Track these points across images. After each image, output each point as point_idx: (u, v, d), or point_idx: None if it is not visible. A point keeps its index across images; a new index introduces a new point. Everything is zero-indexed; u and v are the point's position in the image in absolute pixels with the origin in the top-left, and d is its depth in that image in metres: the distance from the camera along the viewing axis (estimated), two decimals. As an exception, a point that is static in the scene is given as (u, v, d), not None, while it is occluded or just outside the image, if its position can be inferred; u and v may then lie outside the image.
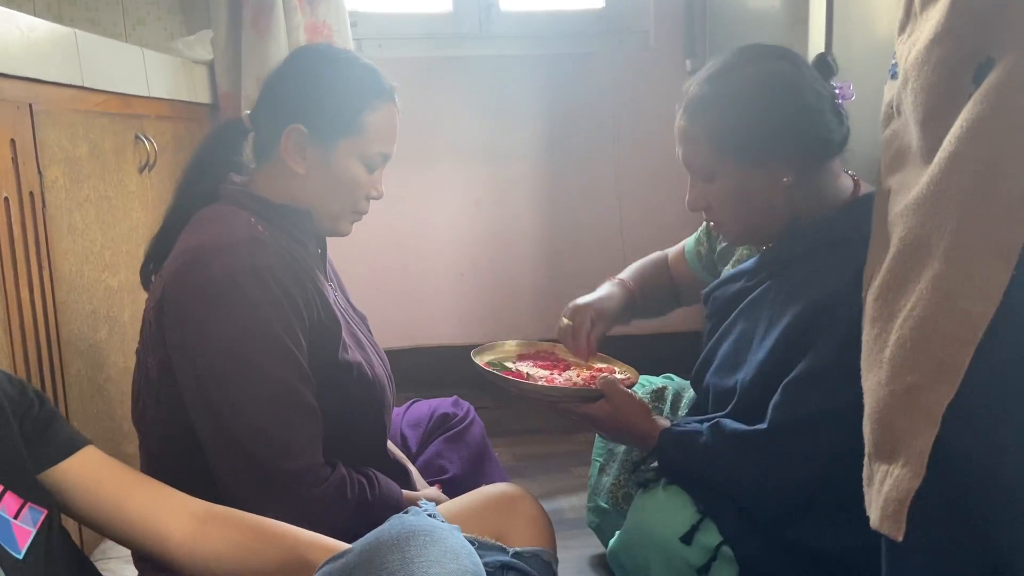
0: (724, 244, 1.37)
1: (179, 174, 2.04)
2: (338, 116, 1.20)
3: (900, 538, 0.78)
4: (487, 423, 1.61)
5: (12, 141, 1.30)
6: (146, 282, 1.28)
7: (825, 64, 1.17)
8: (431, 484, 1.42)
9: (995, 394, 0.74)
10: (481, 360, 1.36)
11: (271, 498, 1.09)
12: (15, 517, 0.86)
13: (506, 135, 2.69)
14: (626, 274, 1.45)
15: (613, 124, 2.72)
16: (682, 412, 1.44)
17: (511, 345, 1.47)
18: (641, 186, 2.77)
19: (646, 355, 2.75)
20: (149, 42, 2.36)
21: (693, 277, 1.46)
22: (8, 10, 1.30)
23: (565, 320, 1.32)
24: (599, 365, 1.42)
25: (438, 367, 2.62)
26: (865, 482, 0.85)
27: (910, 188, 0.81)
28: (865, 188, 1.17)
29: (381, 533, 0.76)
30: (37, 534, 0.87)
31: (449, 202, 2.70)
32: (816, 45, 1.93)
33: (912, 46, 0.83)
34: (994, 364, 0.73)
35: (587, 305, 1.33)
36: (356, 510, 1.14)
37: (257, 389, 1.08)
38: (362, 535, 1.10)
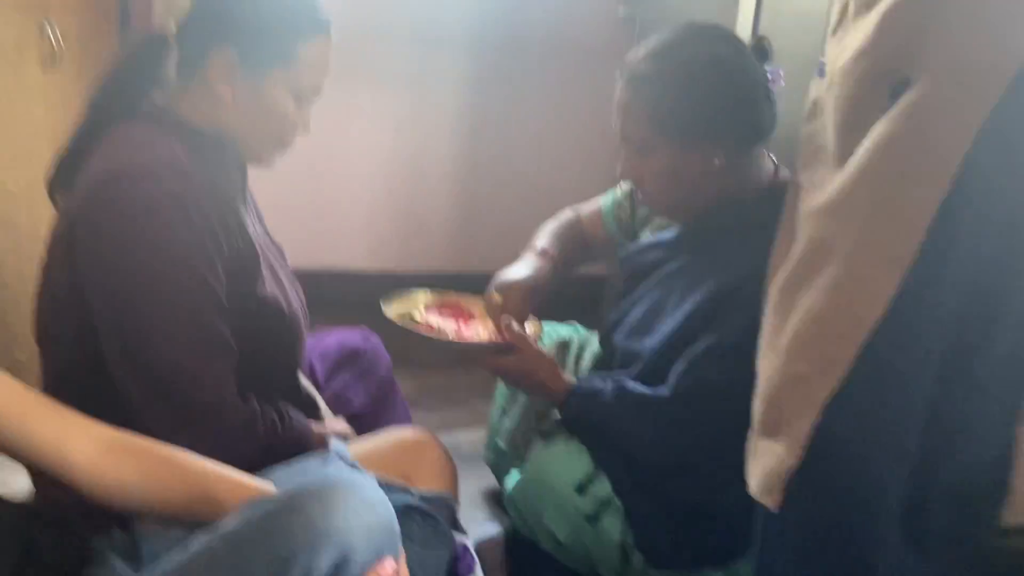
0: (646, 211, 1.42)
1: (86, 73, 1.94)
2: (273, 44, 1.16)
3: (776, 509, 0.87)
4: (392, 353, 1.64)
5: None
6: (53, 194, 1.23)
7: (762, 49, 1.21)
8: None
9: (874, 391, 0.82)
10: (390, 311, 1.38)
11: (181, 428, 1.09)
12: None
13: (431, 60, 2.64)
14: (547, 242, 1.46)
15: (539, 59, 2.70)
16: (585, 364, 1.50)
17: (419, 295, 1.49)
18: (565, 122, 2.79)
19: (550, 298, 2.85)
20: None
21: (608, 237, 1.52)
22: None
23: (496, 296, 1.33)
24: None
25: (347, 291, 2.61)
26: (748, 453, 0.93)
27: (821, 189, 0.87)
28: (783, 173, 1.24)
29: (304, 483, 0.79)
30: None
31: (368, 126, 2.65)
32: (746, 9, 1.97)
33: (841, 52, 0.88)
34: (876, 363, 0.81)
35: (519, 283, 1.33)
36: (266, 444, 1.16)
37: (172, 319, 1.07)
38: (271, 467, 1.15)
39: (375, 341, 1.67)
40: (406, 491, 1.05)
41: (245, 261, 1.17)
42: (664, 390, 1.15)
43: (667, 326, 1.18)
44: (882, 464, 0.84)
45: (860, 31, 0.85)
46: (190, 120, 1.17)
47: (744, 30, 1.98)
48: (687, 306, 1.17)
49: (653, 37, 1.20)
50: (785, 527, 0.89)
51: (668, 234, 1.30)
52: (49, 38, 1.66)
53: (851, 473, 0.85)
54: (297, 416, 1.24)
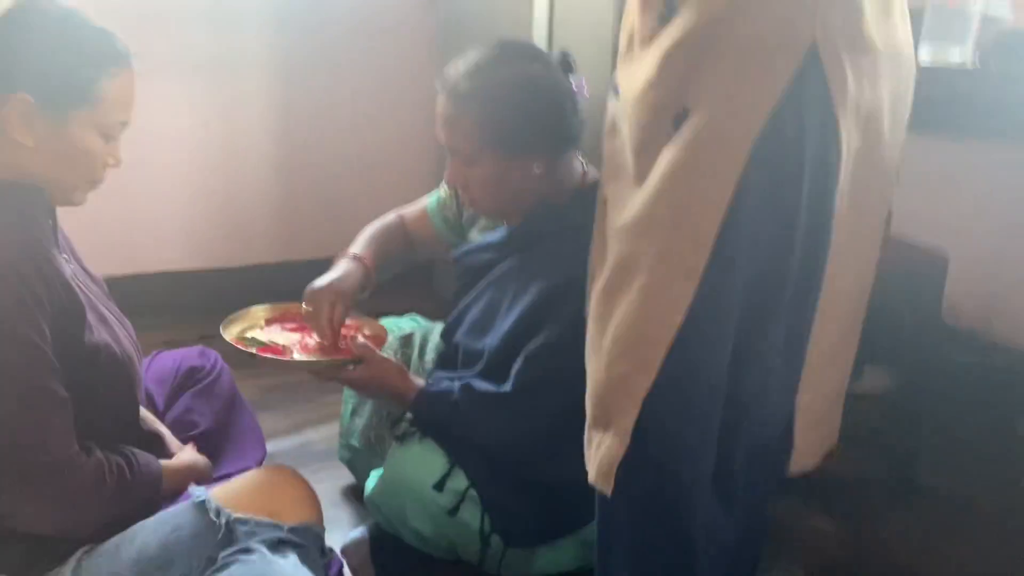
0: (471, 211, 1.49)
1: None
2: (70, 86, 1.11)
3: (609, 494, 0.99)
4: (230, 361, 1.60)
5: None
6: None
7: (567, 63, 1.32)
8: (183, 440, 1.45)
9: (683, 382, 0.95)
10: (230, 335, 1.38)
11: (27, 494, 1.07)
12: None
13: (234, 46, 2.55)
14: (361, 247, 1.49)
15: (347, 38, 2.67)
16: (429, 356, 1.57)
17: (257, 310, 1.49)
18: (375, 103, 2.79)
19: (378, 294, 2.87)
20: None
21: (436, 235, 1.58)
22: None
23: (305, 306, 1.36)
24: (348, 321, 1.51)
25: (165, 293, 2.53)
26: (585, 444, 1.05)
27: (624, 206, 0.98)
28: (591, 174, 1.35)
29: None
30: None
31: (174, 120, 2.53)
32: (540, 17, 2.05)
33: (632, 80, 0.98)
34: (683, 359, 0.94)
35: (325, 288, 1.37)
36: (117, 492, 1.15)
37: (7, 390, 1.04)
38: (126, 517, 1.15)
39: (213, 356, 1.65)
40: (276, 527, 1.09)
41: (69, 313, 1.13)
42: (507, 386, 1.25)
43: (504, 325, 1.28)
44: (693, 440, 0.98)
45: (646, 63, 0.95)
46: (-10, 173, 1.11)
47: (540, 30, 2.07)
48: (520, 306, 1.27)
49: (470, 53, 1.28)
50: (617, 506, 1.01)
51: (496, 235, 1.39)
52: None
53: (668, 452, 0.98)
54: (144, 458, 1.23)
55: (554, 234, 1.31)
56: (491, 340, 1.30)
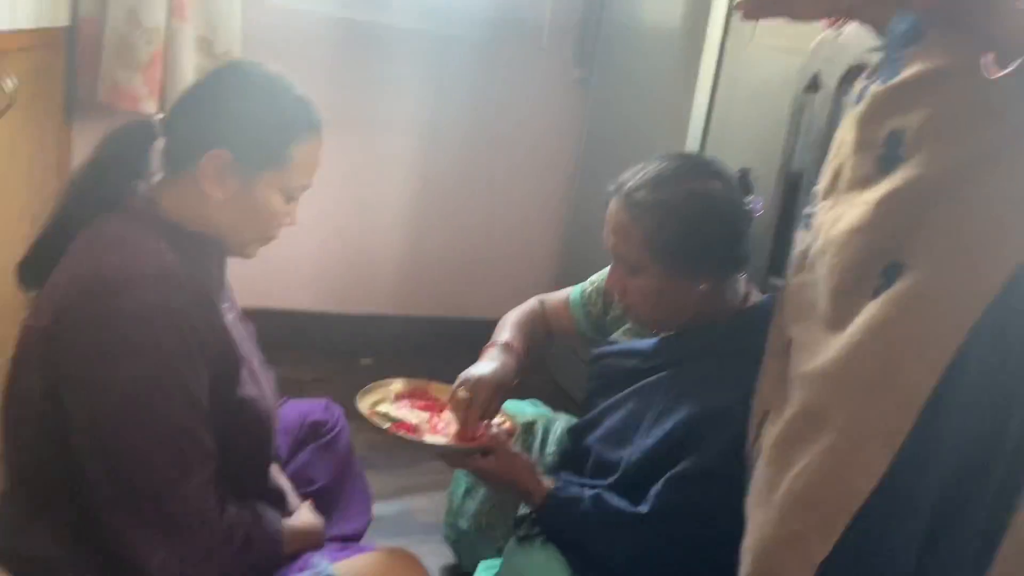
0: (619, 312, 1.47)
1: (33, 118, 1.86)
2: (266, 148, 1.15)
3: None
4: (336, 399, 1.64)
5: None
6: (25, 282, 1.18)
7: (747, 182, 1.29)
8: (301, 495, 1.45)
9: (866, 555, 0.88)
10: (364, 406, 1.39)
11: (159, 542, 1.07)
12: None
13: (385, 108, 2.63)
14: (511, 335, 1.47)
15: (495, 114, 2.73)
16: (550, 449, 1.54)
17: (393, 384, 1.50)
18: (511, 180, 2.83)
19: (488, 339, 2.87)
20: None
21: (575, 329, 1.56)
22: None
23: (463, 392, 1.33)
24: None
25: (290, 332, 2.58)
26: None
27: (814, 351, 0.92)
28: (754, 295, 1.31)
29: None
30: None
31: (322, 168, 2.61)
32: (707, 72, 2.03)
33: (835, 220, 0.94)
34: (869, 530, 0.87)
35: (488, 380, 1.34)
36: (241, 550, 1.15)
37: (155, 433, 1.05)
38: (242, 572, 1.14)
39: (336, 412, 1.67)
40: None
41: (227, 365, 1.15)
42: (643, 507, 1.20)
43: (646, 441, 1.23)
44: None
45: (855, 208, 0.90)
46: (173, 216, 1.15)
47: (697, 115, 2.05)
48: (667, 424, 1.22)
49: (651, 162, 1.26)
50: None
51: (645, 344, 1.36)
52: (4, 89, 1.59)
53: None
54: (270, 517, 1.23)
55: (709, 355, 1.27)
56: (630, 454, 1.25)
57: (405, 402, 1.46)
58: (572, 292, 1.59)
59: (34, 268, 1.17)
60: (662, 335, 1.34)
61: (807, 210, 1.05)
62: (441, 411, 1.45)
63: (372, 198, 2.71)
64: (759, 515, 0.94)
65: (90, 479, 1.06)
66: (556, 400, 1.79)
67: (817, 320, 0.94)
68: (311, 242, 2.68)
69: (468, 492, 1.60)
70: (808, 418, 0.90)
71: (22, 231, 1.72)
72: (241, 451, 1.21)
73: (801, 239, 1.03)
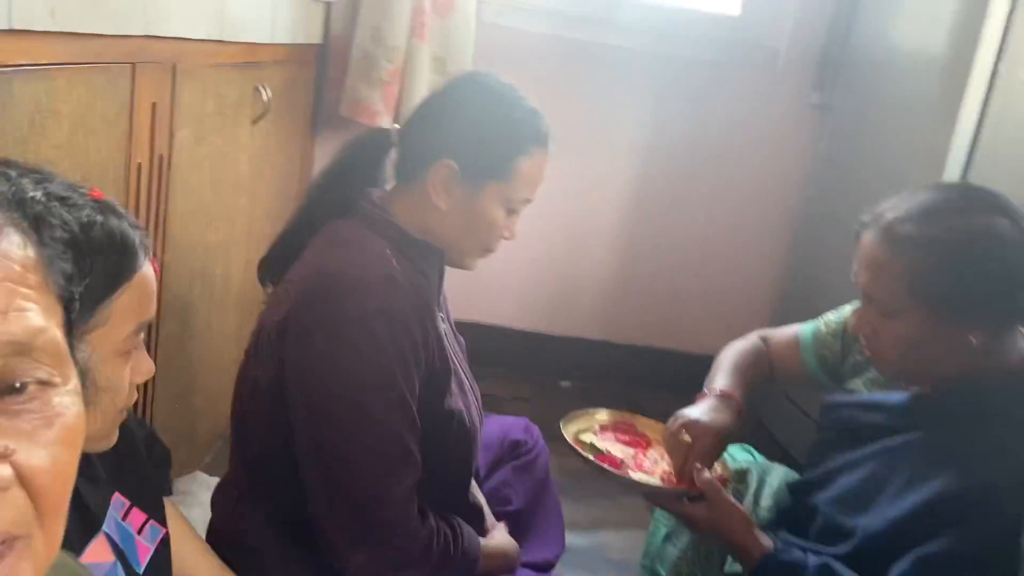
0: (861, 359, 1.31)
1: (283, 127, 2.00)
2: (493, 159, 1.14)
3: None
4: (533, 419, 1.60)
5: (153, 105, 1.25)
6: (263, 279, 1.25)
7: None
8: (496, 515, 1.42)
9: None
10: (569, 433, 1.32)
11: (359, 543, 1.08)
12: (138, 532, 0.87)
13: (607, 129, 2.60)
14: (730, 382, 1.33)
15: (719, 139, 2.61)
16: (765, 503, 1.40)
17: (598, 413, 1.43)
18: (732, 207, 2.69)
19: (694, 376, 2.73)
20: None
21: (803, 373, 1.41)
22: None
23: (684, 435, 1.22)
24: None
25: (493, 346, 2.60)
26: None
27: None
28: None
29: None
30: (155, 552, 0.88)
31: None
32: (974, 98, 1.80)
33: None
34: None
35: (712, 429, 1.23)
36: (440, 563, 1.13)
37: (368, 436, 1.06)
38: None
39: (535, 433, 1.63)
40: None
41: (439, 375, 1.15)
42: (881, 587, 1.04)
43: (890, 511, 1.07)
44: None
45: None
46: (405, 226, 1.16)
47: (959, 146, 1.83)
48: (920, 494, 1.05)
49: (919, 194, 1.10)
50: None
51: (896, 398, 1.18)
52: (262, 94, 1.72)
53: None
54: (468, 533, 1.21)
55: (976, 419, 1.08)
56: (870, 522, 1.09)
57: (609, 434, 1.39)
58: (802, 331, 1.44)
59: (272, 266, 1.23)
60: (915, 391, 1.17)
61: None
62: (647, 448, 1.37)
63: (584, 219, 2.68)
64: None
65: (304, 475, 1.09)
66: (769, 452, 1.64)
67: None
68: (522, 260, 2.70)
69: (669, 537, 1.49)
70: None
71: (267, 230, 1.85)
72: (445, 463, 1.20)
73: None
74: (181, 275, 1.51)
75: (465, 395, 1.25)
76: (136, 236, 0.75)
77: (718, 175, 2.65)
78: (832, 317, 1.40)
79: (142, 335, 0.80)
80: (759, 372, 1.41)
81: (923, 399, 1.14)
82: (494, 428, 1.61)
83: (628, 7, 2.54)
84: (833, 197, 2.37)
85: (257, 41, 1.70)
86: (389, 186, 1.23)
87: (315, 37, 2.25)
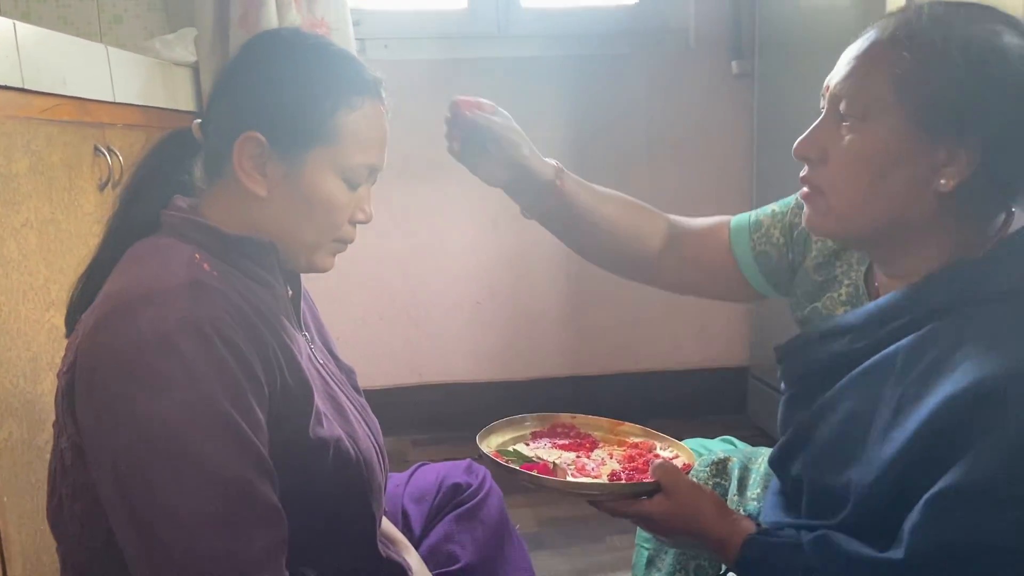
0: (820, 258, 1.06)
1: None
2: (304, 119, 0.92)
3: None
4: (502, 483, 1.31)
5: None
6: (69, 330, 1.01)
7: None
8: (438, 577, 1.14)
9: None
10: (489, 447, 1.07)
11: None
12: None
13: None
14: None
15: (648, 131, 2.44)
16: (752, 492, 1.14)
17: (528, 422, 1.18)
18: (678, 198, 2.48)
19: (686, 393, 2.48)
20: (127, 42, 2.12)
21: (727, 268, 1.16)
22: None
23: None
24: (635, 439, 1.14)
25: (450, 407, 2.34)
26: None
27: None
28: (1017, 217, 0.88)
29: None
30: None
31: (463, 221, 2.42)
32: None
33: None
34: None
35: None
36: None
37: (198, 489, 0.79)
38: None
39: (482, 472, 1.36)
40: None
41: (294, 396, 0.90)
42: (896, 552, 0.76)
43: (885, 451, 0.79)
44: None
45: None
46: (218, 225, 0.93)
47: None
48: (916, 419, 0.77)
49: (922, 4, 0.89)
50: None
51: (854, 317, 0.93)
52: (105, 157, 1.52)
53: None
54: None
55: (970, 304, 0.83)
56: (861, 474, 0.81)
57: (544, 440, 1.14)
58: (733, 218, 1.19)
59: (78, 315, 0.98)
60: (883, 299, 0.90)
61: None
62: (591, 449, 1.11)
63: (525, 247, 2.49)
64: None
65: (126, 554, 0.82)
66: (753, 443, 1.37)
67: None
68: (464, 305, 2.47)
69: (652, 561, 1.21)
70: None
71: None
72: (330, 510, 0.94)
73: None
74: (17, 364, 1.26)
75: (347, 420, 0.99)
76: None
77: (657, 168, 2.48)
78: (777, 208, 1.15)
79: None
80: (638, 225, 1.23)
81: (890, 302, 0.89)
82: (429, 475, 1.35)
83: (517, 17, 2.40)
84: (781, 164, 2.21)
85: (85, 96, 1.50)
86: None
87: (185, 103, 2.06)
